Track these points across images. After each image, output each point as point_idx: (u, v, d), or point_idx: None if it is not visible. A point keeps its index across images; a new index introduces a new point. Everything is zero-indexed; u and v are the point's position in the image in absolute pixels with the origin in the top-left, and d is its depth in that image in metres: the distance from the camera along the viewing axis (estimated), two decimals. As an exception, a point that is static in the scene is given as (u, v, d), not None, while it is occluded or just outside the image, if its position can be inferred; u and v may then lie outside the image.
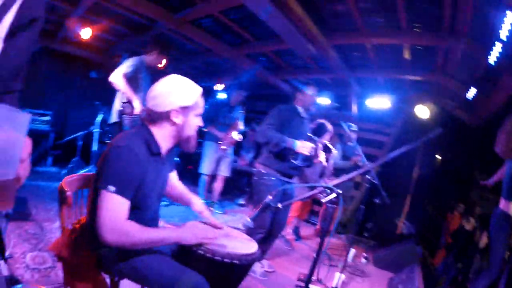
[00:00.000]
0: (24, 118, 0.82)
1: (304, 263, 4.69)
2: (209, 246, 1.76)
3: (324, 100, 7.60)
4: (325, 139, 4.84)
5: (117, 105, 4.38)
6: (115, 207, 1.55)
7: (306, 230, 6.43)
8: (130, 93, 4.10)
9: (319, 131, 4.82)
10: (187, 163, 8.35)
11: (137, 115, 4.08)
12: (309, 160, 3.77)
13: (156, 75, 2.82)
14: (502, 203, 3.64)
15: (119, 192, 1.56)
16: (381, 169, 7.74)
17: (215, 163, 5.94)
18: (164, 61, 6.03)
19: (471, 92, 5.13)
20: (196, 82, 1.94)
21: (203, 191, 6.00)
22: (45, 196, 4.74)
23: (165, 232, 1.74)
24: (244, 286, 3.45)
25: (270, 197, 2.11)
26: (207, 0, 4.82)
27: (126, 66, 4.19)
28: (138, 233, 1.60)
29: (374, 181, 4.07)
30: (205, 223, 2.15)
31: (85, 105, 7.27)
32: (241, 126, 5.92)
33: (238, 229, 2.21)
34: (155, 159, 1.79)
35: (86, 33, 5.63)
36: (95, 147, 6.18)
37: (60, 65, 7.47)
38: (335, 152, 5.22)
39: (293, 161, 3.61)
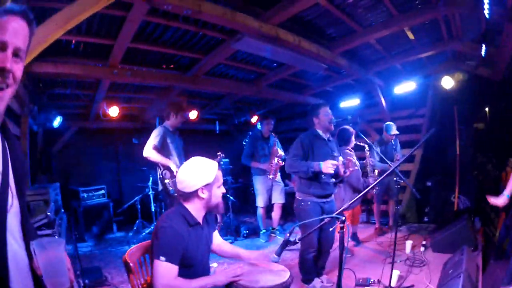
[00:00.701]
0: (60, 241, 1.26)
1: (365, 267, 4.94)
2: (243, 283, 2.26)
3: (353, 102, 8.08)
4: (353, 142, 5.25)
5: (159, 173, 4.95)
6: (166, 271, 2.12)
7: (366, 231, 6.68)
8: (164, 160, 4.74)
9: (343, 137, 5.24)
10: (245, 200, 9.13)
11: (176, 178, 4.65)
12: (337, 175, 4.09)
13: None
14: None
15: (168, 260, 2.13)
16: (425, 153, 7.88)
17: (267, 194, 6.40)
18: (194, 113, 6.63)
19: (483, 49, 5.31)
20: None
21: (261, 223, 6.47)
22: (116, 261, 5.35)
23: (204, 280, 2.25)
24: None
25: (288, 234, 2.45)
26: (210, 54, 5.33)
27: (153, 138, 4.81)
28: (185, 285, 2.16)
29: (401, 181, 4.33)
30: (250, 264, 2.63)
31: (134, 171, 7.92)
32: (280, 151, 6.28)
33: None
34: (194, 228, 2.35)
35: (113, 111, 6.18)
36: (153, 207, 6.86)
37: (101, 139, 8.14)
38: (367, 148, 5.47)
39: (326, 180, 3.95)
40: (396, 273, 4.23)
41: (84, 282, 3.48)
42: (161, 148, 4.86)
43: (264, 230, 6.49)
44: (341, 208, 2.75)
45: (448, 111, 7.36)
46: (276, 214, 6.54)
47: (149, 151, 4.75)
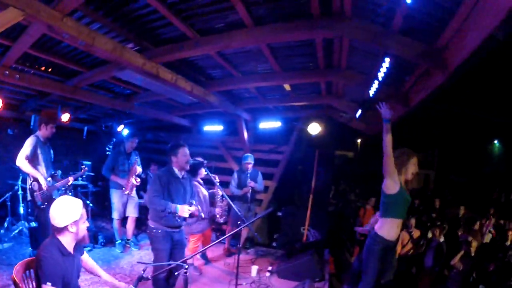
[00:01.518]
0: None
1: (212, 286, 5.64)
2: None
3: (217, 127, 9.07)
4: (201, 175, 5.98)
5: (28, 183, 5.29)
6: None
7: (216, 251, 7.35)
8: (34, 172, 5.10)
9: (194, 169, 5.82)
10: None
11: (44, 190, 5.13)
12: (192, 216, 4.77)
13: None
14: (378, 224, 4.19)
15: (53, 284, 2.68)
16: (281, 184, 8.90)
17: (122, 208, 6.94)
18: (67, 116, 6.98)
19: (358, 112, 6.11)
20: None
21: (117, 233, 7.05)
22: None
23: None
24: None
25: (142, 271, 3.09)
26: (94, 70, 5.79)
27: (26, 148, 5.10)
28: None
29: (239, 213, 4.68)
30: None
31: (6, 161, 8.02)
32: (139, 169, 6.88)
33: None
34: (67, 257, 2.91)
35: None
36: (21, 209, 7.17)
37: None
38: (217, 180, 5.84)
39: (178, 219, 4.54)
40: None
41: None
42: (32, 159, 5.17)
43: (119, 241, 7.05)
44: (185, 258, 3.43)
45: (309, 152, 8.41)
46: (130, 226, 7.14)
47: (21, 161, 5.05)
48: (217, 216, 6.16)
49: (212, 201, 6.23)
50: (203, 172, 5.87)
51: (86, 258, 3.43)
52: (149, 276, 3.14)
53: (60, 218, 2.86)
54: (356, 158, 10.88)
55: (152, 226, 4.55)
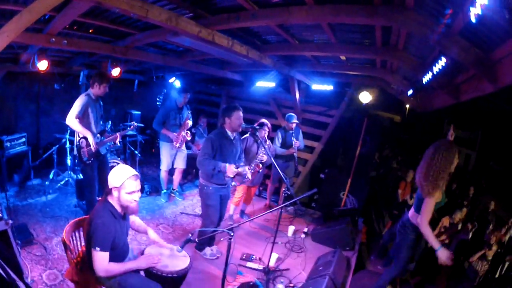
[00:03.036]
0: None
1: (250, 242, 6.24)
2: (158, 267, 3.47)
3: (269, 84, 9.32)
4: (263, 133, 6.41)
5: (76, 139, 5.78)
6: (102, 258, 3.09)
7: (256, 205, 7.97)
8: (83, 131, 5.54)
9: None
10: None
11: (91, 148, 5.60)
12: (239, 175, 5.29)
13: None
14: (411, 212, 4.41)
15: (102, 249, 3.08)
16: (328, 147, 9.26)
17: (171, 159, 7.57)
18: (117, 70, 7.58)
19: (410, 91, 6.36)
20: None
21: (163, 184, 7.74)
22: (36, 215, 6.25)
23: (130, 264, 3.35)
24: (199, 268, 5.08)
25: (190, 234, 3.64)
26: (145, 33, 6.03)
27: (76, 107, 5.48)
28: (116, 269, 3.21)
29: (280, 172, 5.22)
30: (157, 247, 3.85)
31: (53, 114, 8.78)
32: (190, 123, 7.45)
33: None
34: (118, 220, 3.33)
35: (43, 65, 6.51)
36: (68, 161, 7.81)
37: (23, 81, 8.49)
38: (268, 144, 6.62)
39: (225, 178, 5.12)
40: (275, 256, 5.49)
41: (17, 243, 4.15)
42: (82, 117, 5.54)
43: (165, 190, 7.80)
44: (232, 226, 3.82)
45: (358, 118, 8.76)
46: (176, 177, 7.88)
47: (71, 120, 5.44)
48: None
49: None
50: (265, 133, 6.45)
51: (134, 217, 3.93)
52: (196, 239, 3.68)
53: (110, 179, 3.28)
54: (403, 122, 10.99)
55: (203, 184, 5.13)
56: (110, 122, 7.67)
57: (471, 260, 5.90)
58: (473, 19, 2.54)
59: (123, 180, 3.24)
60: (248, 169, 5.83)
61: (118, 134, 6.05)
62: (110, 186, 3.28)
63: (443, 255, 3.76)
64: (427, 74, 4.68)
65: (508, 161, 10.05)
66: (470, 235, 6.68)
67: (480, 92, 4.35)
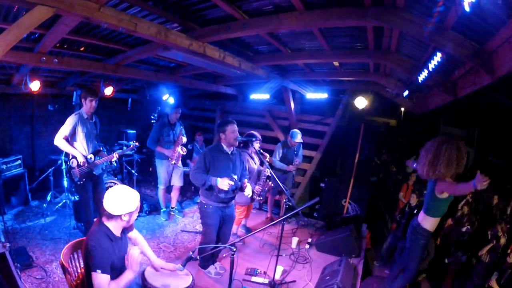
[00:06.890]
0: None
1: (254, 256, 6.13)
2: (156, 285, 3.38)
3: (263, 96, 9.23)
4: (256, 146, 6.06)
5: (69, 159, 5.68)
6: (103, 280, 2.98)
7: (258, 218, 7.97)
8: (71, 151, 5.48)
9: (246, 144, 6.15)
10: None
11: (83, 167, 5.52)
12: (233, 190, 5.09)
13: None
14: (420, 217, 4.38)
15: (103, 271, 2.98)
16: (326, 155, 9.22)
17: (168, 176, 7.49)
18: (110, 89, 7.48)
19: (405, 93, 6.41)
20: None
21: (162, 202, 7.67)
22: (36, 237, 6.15)
23: (124, 278, 3.16)
24: (203, 286, 5.05)
25: (191, 252, 3.50)
26: (136, 49, 6.03)
27: (65, 127, 5.42)
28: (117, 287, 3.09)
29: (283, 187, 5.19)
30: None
31: (48, 136, 8.56)
32: (184, 139, 7.33)
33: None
34: (116, 241, 3.25)
35: (35, 85, 6.50)
36: (65, 183, 7.69)
37: (17, 103, 8.41)
38: (267, 160, 6.42)
39: (219, 194, 4.93)
40: (280, 268, 5.38)
41: (16, 266, 4.05)
42: (71, 137, 5.49)
43: (164, 209, 7.72)
44: (233, 241, 3.92)
45: (354, 125, 8.63)
46: (174, 195, 7.78)
47: (59, 141, 5.41)
48: (256, 193, 6.27)
49: (257, 177, 6.42)
50: (256, 146, 6.02)
51: (135, 235, 3.83)
52: (198, 257, 3.55)
53: (116, 206, 3.12)
54: (399, 126, 11.01)
55: (204, 202, 5.01)
56: (104, 147, 7.59)
57: (480, 254, 5.77)
58: (467, 8, 2.53)
59: (137, 203, 3.24)
60: (259, 185, 5.91)
61: (114, 154, 5.94)
62: (120, 213, 3.16)
63: (478, 182, 3.50)
64: (422, 73, 4.70)
65: (508, 154, 10.17)
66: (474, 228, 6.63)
67: (478, 85, 4.34)
